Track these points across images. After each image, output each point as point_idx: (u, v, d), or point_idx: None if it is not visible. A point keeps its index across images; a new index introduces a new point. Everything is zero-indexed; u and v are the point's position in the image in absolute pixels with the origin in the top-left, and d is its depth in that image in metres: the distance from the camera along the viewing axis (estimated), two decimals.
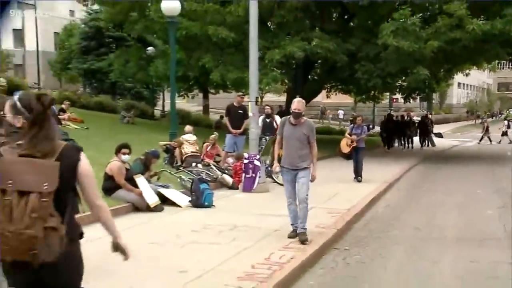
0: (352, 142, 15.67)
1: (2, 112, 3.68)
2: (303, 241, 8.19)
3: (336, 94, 37.76)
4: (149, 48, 32.94)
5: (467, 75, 38.53)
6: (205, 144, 15.81)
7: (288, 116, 8.68)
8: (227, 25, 24.02)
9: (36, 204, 3.17)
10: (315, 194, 10.33)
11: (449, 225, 10.69)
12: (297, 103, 8.46)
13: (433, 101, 69.60)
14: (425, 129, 33.21)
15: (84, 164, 3.53)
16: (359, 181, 15.64)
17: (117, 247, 3.77)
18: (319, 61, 28.32)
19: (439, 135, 34.87)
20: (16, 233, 3.13)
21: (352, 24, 28.65)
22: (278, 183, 13.24)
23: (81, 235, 3.58)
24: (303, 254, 7.75)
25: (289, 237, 8.51)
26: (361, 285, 6.88)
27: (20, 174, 3.22)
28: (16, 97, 3.55)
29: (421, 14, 24.50)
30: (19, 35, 56.25)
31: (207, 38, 24.54)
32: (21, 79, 35.82)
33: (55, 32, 57.87)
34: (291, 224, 8.63)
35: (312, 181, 8.54)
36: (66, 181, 3.37)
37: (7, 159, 3.28)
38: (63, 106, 24.21)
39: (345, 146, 15.89)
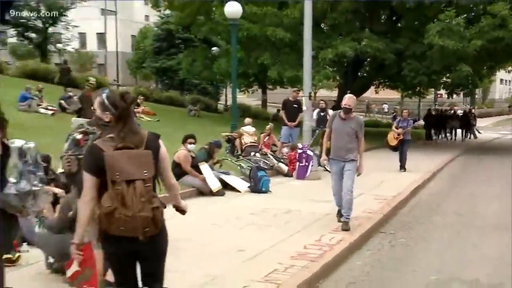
0: (398, 135, 15.36)
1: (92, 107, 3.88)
2: (345, 230, 7.96)
3: (383, 89, 37.12)
4: (213, 48, 33.10)
5: (509, 71, 37.25)
6: (262, 135, 15.79)
7: (339, 111, 8.47)
8: (284, 26, 23.93)
9: (142, 190, 3.38)
10: (363, 182, 10.18)
11: (490, 213, 10.34)
12: (348, 99, 8.23)
13: (476, 96, 67.72)
14: (467, 122, 32.36)
15: (163, 149, 3.73)
16: (404, 171, 15.32)
17: (177, 208, 4.04)
18: (368, 59, 27.96)
19: (478, 132, 33.91)
20: (133, 217, 3.32)
21: (399, 25, 28.06)
22: (329, 171, 13.07)
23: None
24: (351, 236, 7.65)
25: (339, 221, 8.32)
26: (405, 267, 6.72)
27: (123, 166, 3.37)
28: (104, 95, 3.62)
29: (465, 15, 23.80)
30: (102, 38, 57.49)
31: (265, 38, 24.52)
32: (103, 77, 36.57)
33: (132, 35, 58.89)
34: (338, 206, 8.42)
35: (358, 175, 8.30)
36: (155, 165, 3.57)
37: (110, 154, 3.40)
38: (137, 100, 24.61)
39: (392, 139, 15.59)
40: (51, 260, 5.63)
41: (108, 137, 3.49)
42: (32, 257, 5.82)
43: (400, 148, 15.45)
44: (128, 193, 3.34)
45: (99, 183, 3.44)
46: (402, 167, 15.44)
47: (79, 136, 4.75)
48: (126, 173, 3.37)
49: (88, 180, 3.45)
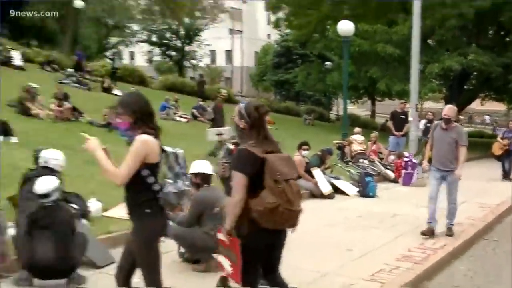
0: (504, 145, 14.40)
1: (232, 115, 4.09)
2: (449, 236, 7.53)
3: (487, 101, 35.03)
4: (326, 63, 32.95)
5: None
6: (369, 143, 15.46)
7: (440, 121, 8.03)
8: (393, 42, 23.37)
9: (297, 188, 3.57)
10: (467, 190, 9.61)
11: None
12: (447, 110, 7.72)
13: None
14: None
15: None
16: (507, 180, 14.30)
17: None
18: (475, 73, 26.50)
19: None
20: (294, 211, 3.53)
21: (507, 39, 26.38)
22: None
23: None
24: (455, 242, 7.27)
25: (422, 233, 7.55)
26: (508, 274, 6.25)
27: (279, 167, 3.50)
28: (242, 105, 3.76)
29: None
30: (229, 54, 59.19)
31: (375, 54, 24.06)
32: (229, 89, 37.63)
33: (255, 51, 60.01)
34: (428, 223, 7.66)
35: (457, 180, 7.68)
36: None
37: (269, 156, 3.53)
38: None
39: (497, 149, 14.63)
40: (182, 250, 5.86)
41: (251, 143, 3.58)
42: (167, 247, 6.08)
43: (505, 158, 14.47)
44: (289, 190, 3.47)
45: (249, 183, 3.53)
46: (506, 176, 14.44)
47: (232, 147, 5.06)
48: (284, 173, 3.49)
49: (242, 181, 3.51)
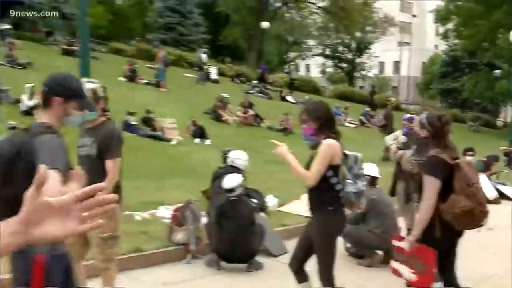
0: None
1: (411, 125, 3.89)
2: None
3: None
4: (496, 71, 30.06)
5: None
6: None
7: None
8: None
9: (482, 190, 3.49)
10: None
11: None
12: None
13: None
14: None
15: None
16: None
17: None
18: None
19: None
20: (486, 212, 3.42)
21: None
22: None
23: None
24: None
25: None
26: None
27: (469, 172, 3.40)
28: (423, 115, 3.68)
29: None
30: (396, 65, 57.16)
31: None
32: (396, 97, 36.33)
33: (422, 62, 57.09)
34: None
35: None
36: None
37: (461, 162, 3.46)
38: None
39: None
40: (348, 245, 5.79)
41: (437, 150, 3.47)
42: None
43: None
44: (478, 193, 3.36)
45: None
46: None
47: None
48: (472, 178, 3.40)
49: (435, 185, 3.39)
